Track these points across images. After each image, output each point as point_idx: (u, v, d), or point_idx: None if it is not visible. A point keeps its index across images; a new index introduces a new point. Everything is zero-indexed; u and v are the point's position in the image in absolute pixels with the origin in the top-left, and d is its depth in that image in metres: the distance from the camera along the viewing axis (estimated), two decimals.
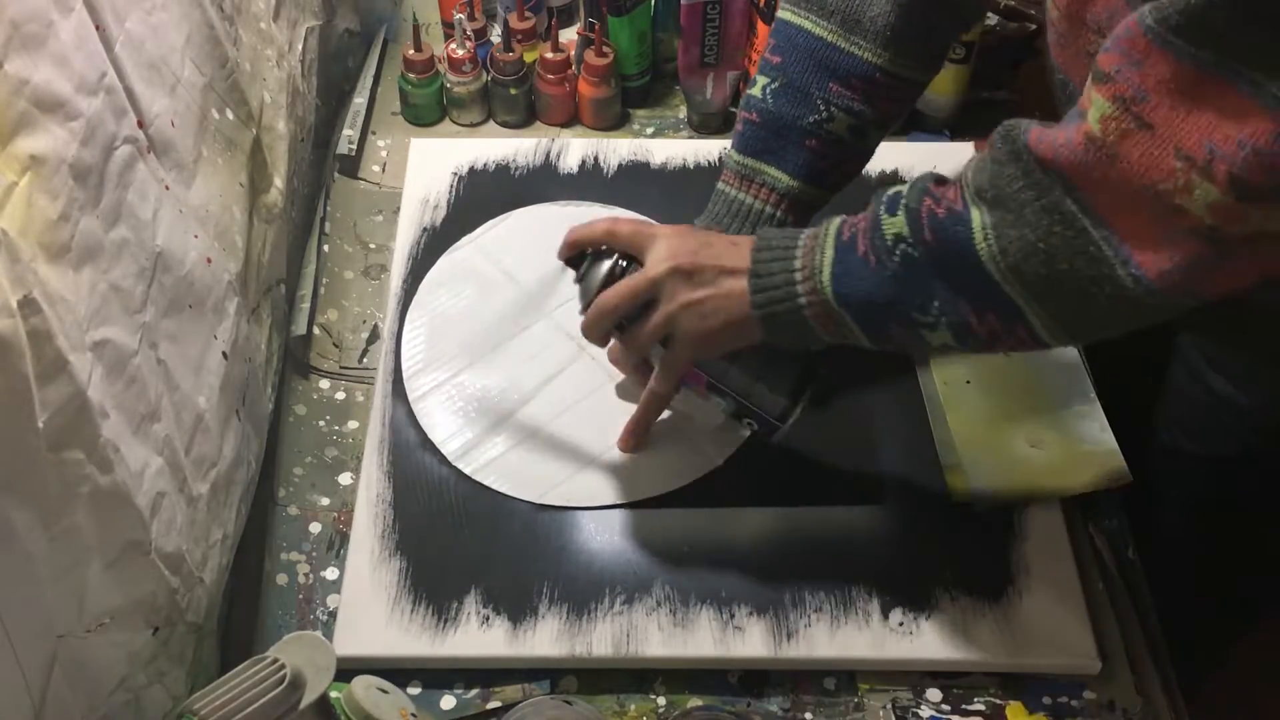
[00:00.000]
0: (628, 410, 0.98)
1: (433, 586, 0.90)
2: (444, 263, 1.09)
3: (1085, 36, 0.77)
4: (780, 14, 0.92)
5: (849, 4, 0.89)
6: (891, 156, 1.18)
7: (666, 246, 0.84)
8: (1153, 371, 1.07)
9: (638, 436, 0.97)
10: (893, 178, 1.17)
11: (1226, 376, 0.98)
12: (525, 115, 1.24)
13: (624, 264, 0.86)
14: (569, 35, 1.26)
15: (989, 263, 0.71)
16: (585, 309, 0.88)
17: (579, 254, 0.89)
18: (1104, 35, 0.74)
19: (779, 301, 0.80)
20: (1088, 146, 0.66)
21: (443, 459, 0.97)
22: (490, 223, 1.12)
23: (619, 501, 0.95)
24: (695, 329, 0.84)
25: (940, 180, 0.77)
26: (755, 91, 0.92)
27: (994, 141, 0.72)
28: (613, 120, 1.24)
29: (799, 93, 0.90)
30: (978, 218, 0.71)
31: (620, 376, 1.01)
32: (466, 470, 0.96)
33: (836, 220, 0.80)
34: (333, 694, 0.76)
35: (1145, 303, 0.68)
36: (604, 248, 0.87)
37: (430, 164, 1.18)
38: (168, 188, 0.78)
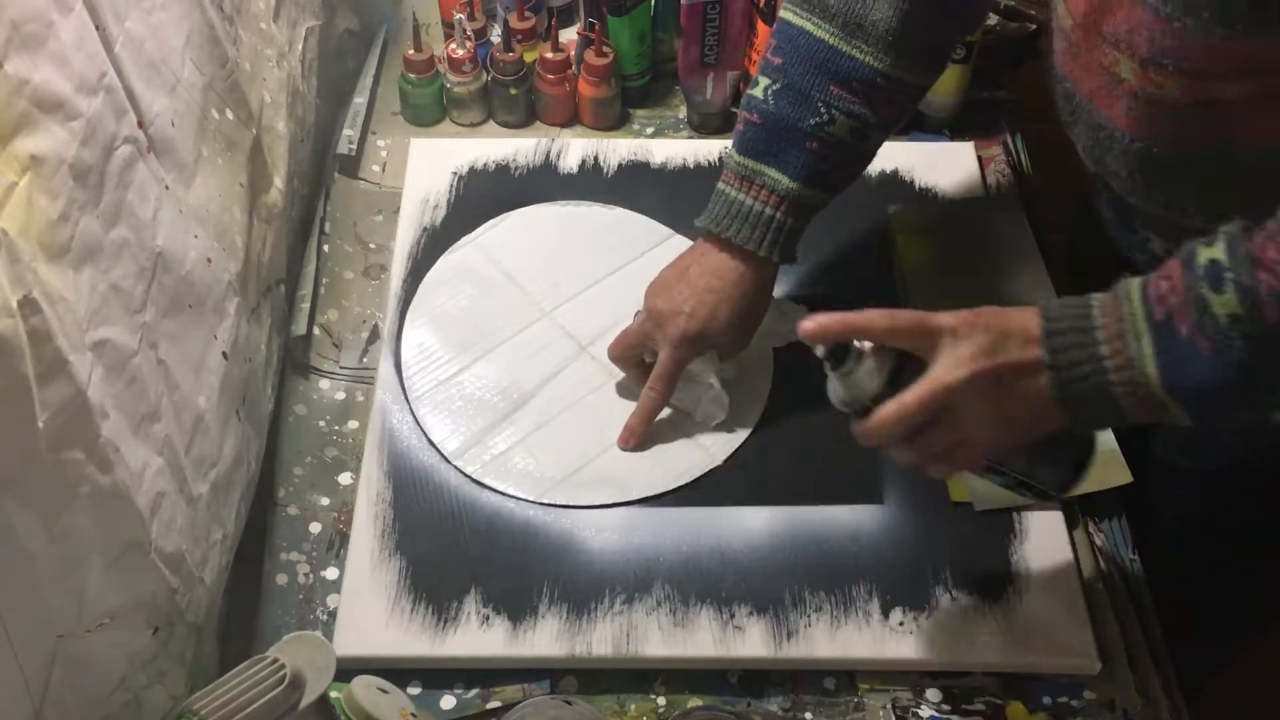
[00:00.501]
0: (628, 408, 0.99)
1: (433, 586, 0.90)
2: (443, 263, 1.09)
3: (1100, 49, 0.77)
4: (782, 14, 0.92)
5: (850, 7, 0.88)
6: (892, 156, 1.18)
7: (961, 351, 0.73)
8: None
9: (638, 435, 0.97)
10: (892, 178, 1.17)
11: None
12: (525, 115, 1.24)
13: (909, 365, 0.75)
14: (569, 35, 1.26)
15: None
16: (853, 407, 0.77)
17: (843, 344, 0.76)
18: (1120, 49, 0.74)
19: (1089, 396, 0.72)
20: None
21: (443, 458, 0.97)
22: (489, 223, 1.12)
23: (619, 500, 0.94)
24: (995, 438, 0.76)
25: (1249, 228, 0.68)
26: (757, 92, 0.92)
27: None
28: (613, 120, 1.24)
29: (800, 95, 0.90)
30: None
31: (620, 378, 1.01)
32: (467, 470, 0.96)
33: (1135, 290, 0.71)
34: (333, 694, 0.76)
35: None
36: (865, 343, 0.76)
37: (430, 164, 1.18)
38: (168, 188, 0.78)
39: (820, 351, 0.74)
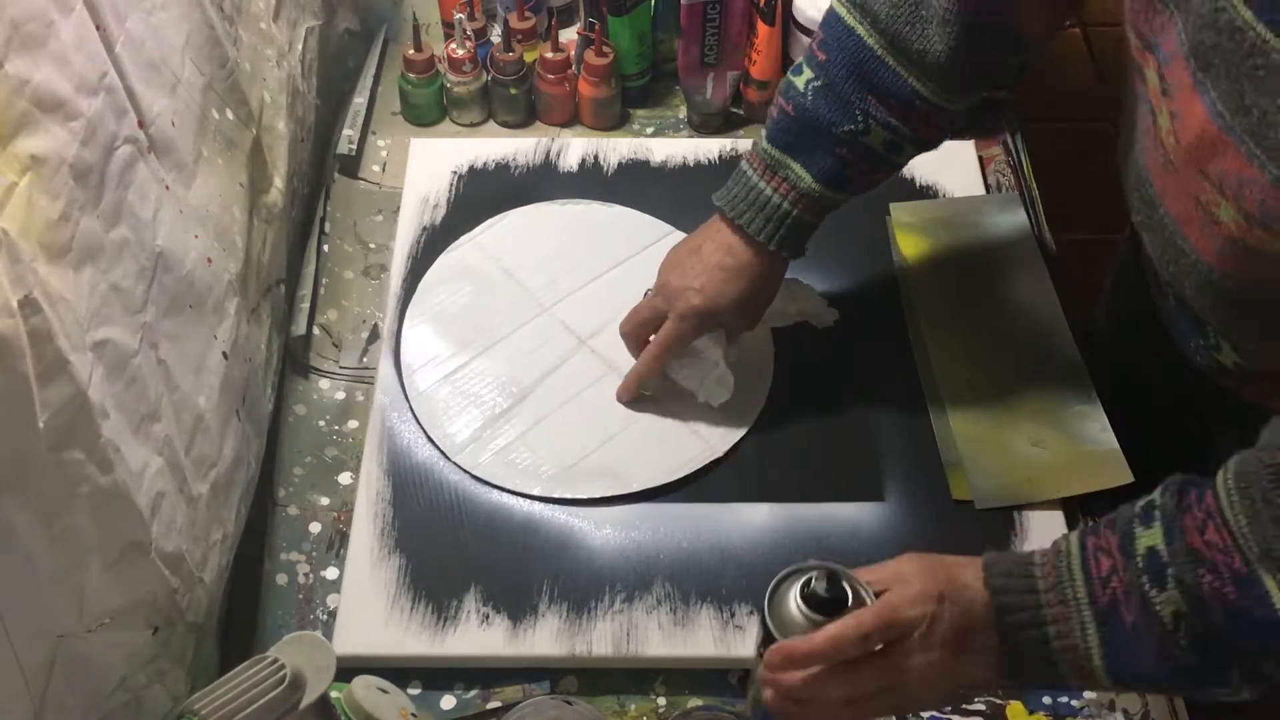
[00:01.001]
0: (628, 406, 0.99)
1: (432, 585, 0.90)
2: (443, 261, 1.09)
3: (1201, 185, 0.72)
4: (835, 7, 0.89)
5: (900, 29, 0.85)
6: None
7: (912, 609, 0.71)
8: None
9: (630, 393, 0.99)
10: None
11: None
12: (525, 115, 1.24)
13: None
14: (569, 35, 1.26)
15: None
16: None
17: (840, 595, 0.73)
18: (1224, 194, 0.70)
19: (1035, 672, 0.71)
20: None
21: (443, 456, 0.97)
22: (488, 221, 1.12)
23: (619, 492, 0.95)
24: (928, 697, 0.75)
25: (1184, 493, 0.67)
26: (798, 83, 0.90)
27: (1265, 489, 0.64)
28: (613, 120, 1.24)
29: (839, 98, 0.88)
30: (1274, 588, 0.63)
31: (622, 370, 1.01)
32: (466, 465, 0.96)
33: (1077, 567, 0.69)
34: (333, 694, 0.76)
35: None
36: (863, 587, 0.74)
37: (430, 164, 1.18)
38: (168, 188, 0.78)
39: (822, 589, 0.72)
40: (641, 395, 1.00)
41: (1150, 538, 0.67)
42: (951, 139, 1.20)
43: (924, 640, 0.70)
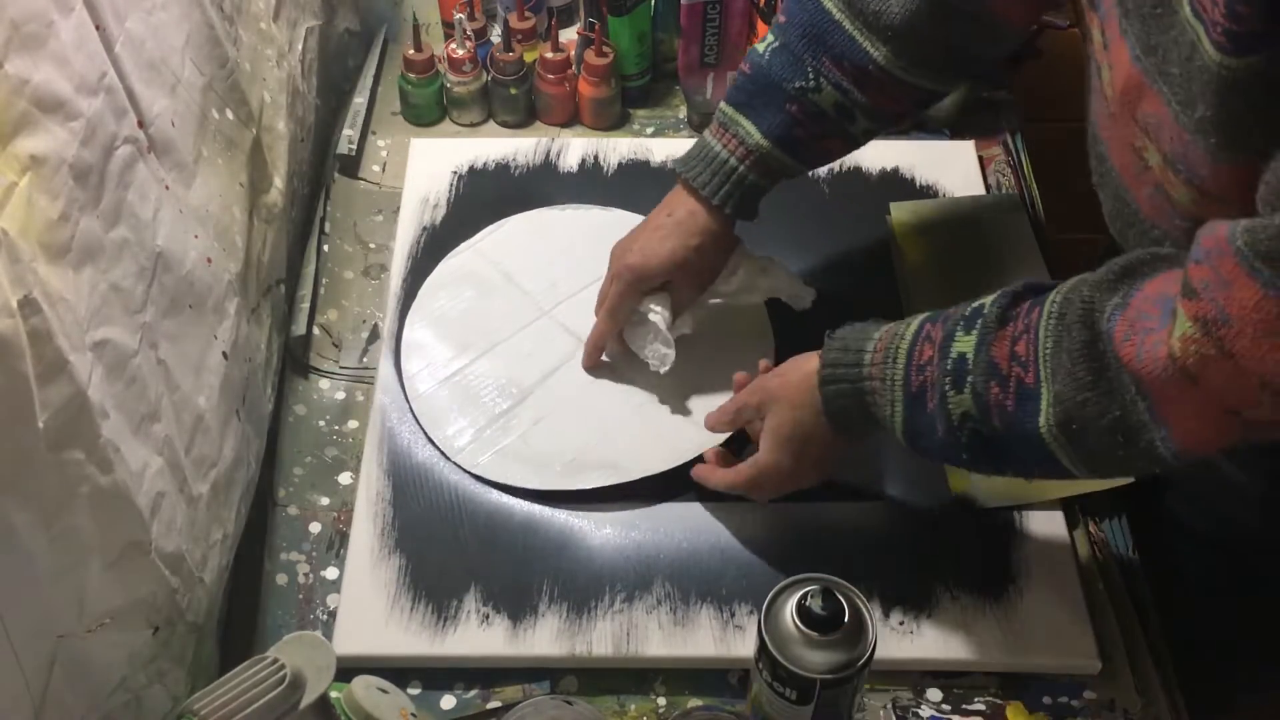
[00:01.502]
0: (627, 403, 0.99)
1: (432, 584, 0.90)
2: (444, 267, 1.09)
3: (1133, 129, 0.75)
4: None
5: None
6: (892, 155, 1.18)
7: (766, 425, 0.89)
8: None
9: (590, 360, 1.01)
10: (893, 176, 1.17)
11: (1235, 462, 0.94)
12: (525, 115, 1.24)
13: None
14: (569, 35, 1.26)
15: (1048, 440, 0.72)
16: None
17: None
18: (1150, 137, 0.72)
19: (858, 429, 0.84)
20: (1168, 365, 0.64)
21: (443, 456, 0.97)
22: (489, 228, 1.12)
23: (618, 481, 0.94)
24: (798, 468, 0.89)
25: (1004, 319, 0.75)
26: (759, 47, 0.93)
27: (1070, 322, 0.70)
28: (613, 120, 1.24)
29: (793, 57, 0.90)
30: (1045, 407, 0.71)
31: (620, 371, 1.01)
32: (466, 465, 0.96)
33: (903, 353, 0.79)
34: (333, 694, 0.76)
35: (1171, 464, 0.69)
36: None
37: (430, 164, 1.18)
38: (168, 188, 0.78)
39: (817, 606, 0.75)
40: (601, 362, 1.01)
41: (964, 344, 0.75)
42: (951, 139, 1.21)
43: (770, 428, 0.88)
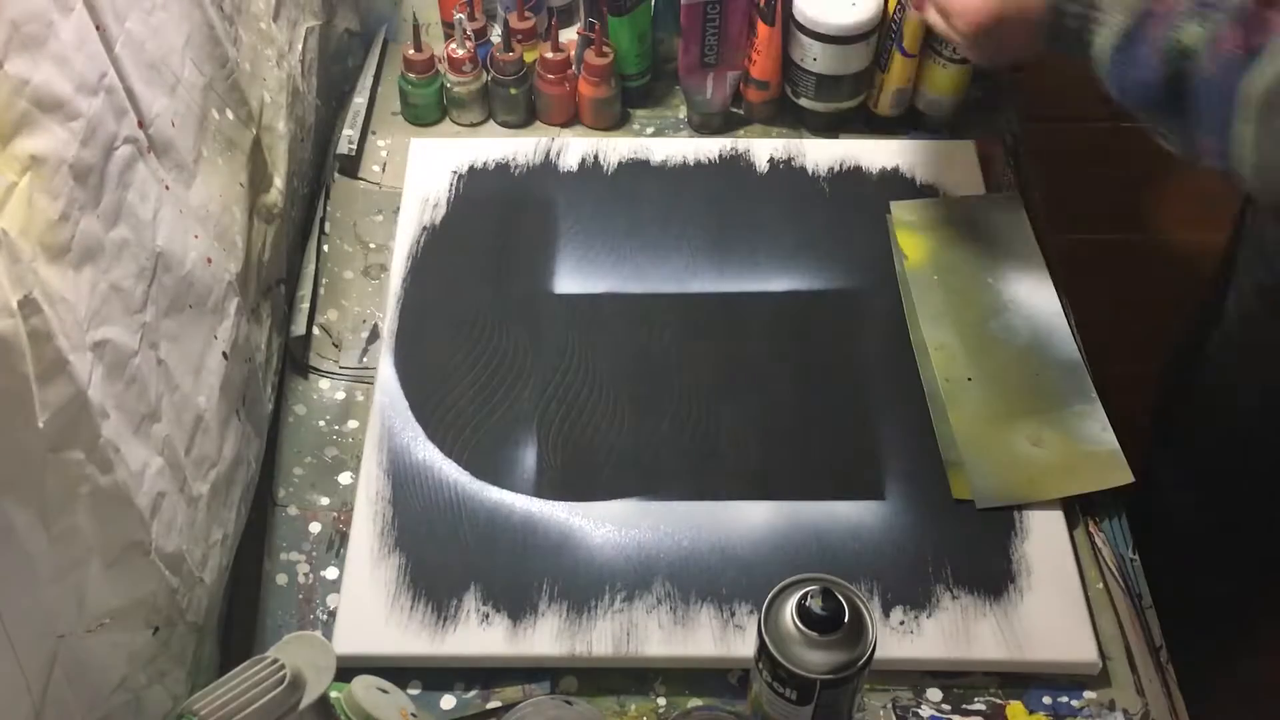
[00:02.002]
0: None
1: (432, 583, 0.90)
2: None
3: None
4: None
5: None
6: (892, 155, 1.19)
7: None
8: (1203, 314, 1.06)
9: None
10: (893, 175, 1.17)
11: None
12: (525, 115, 1.24)
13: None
14: (569, 35, 1.26)
15: (1242, 104, 0.73)
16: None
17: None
18: None
19: (1065, 45, 0.85)
20: None
21: (443, 455, 0.97)
22: None
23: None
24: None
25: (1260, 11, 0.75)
26: None
27: None
28: (613, 120, 1.24)
29: None
30: (1268, 64, 0.72)
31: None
32: (464, 466, 0.96)
33: None
34: (333, 694, 0.76)
35: None
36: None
37: (430, 164, 1.18)
38: (168, 188, 0.78)
39: (817, 606, 0.75)
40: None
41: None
42: (951, 138, 1.21)
43: None
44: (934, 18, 0.97)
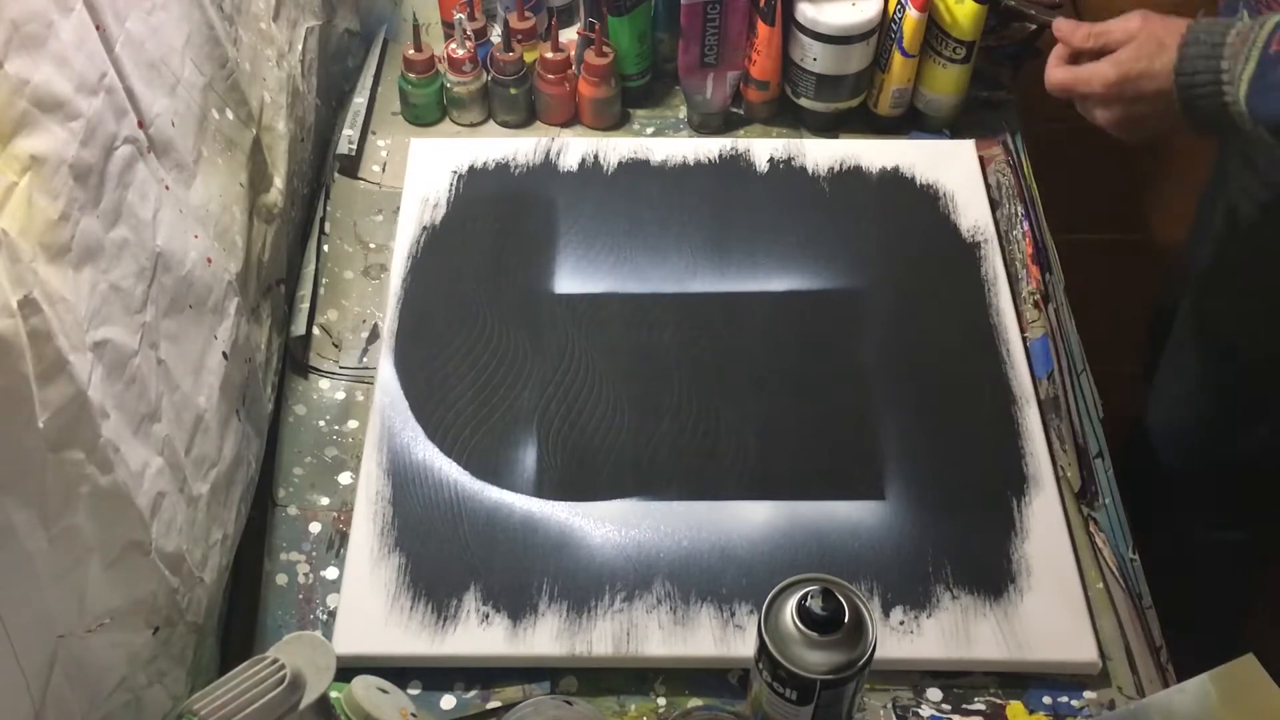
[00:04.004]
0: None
1: (432, 583, 0.90)
2: None
3: None
4: None
5: None
6: (892, 155, 1.19)
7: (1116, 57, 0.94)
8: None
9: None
10: (893, 175, 1.17)
11: None
12: (525, 115, 1.24)
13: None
14: (569, 35, 1.26)
15: None
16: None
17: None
18: None
19: (1199, 104, 0.88)
20: None
21: (443, 455, 0.97)
22: None
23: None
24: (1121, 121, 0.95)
25: None
26: None
27: None
28: (613, 120, 1.24)
29: None
30: None
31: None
32: (464, 466, 0.96)
33: (1271, 23, 0.83)
34: (333, 694, 0.76)
35: None
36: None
37: (430, 164, 1.18)
38: (168, 188, 0.78)
39: (817, 606, 0.75)
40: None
41: None
42: (951, 138, 1.21)
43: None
44: (1074, 84, 0.97)
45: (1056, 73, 0.98)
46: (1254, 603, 1.27)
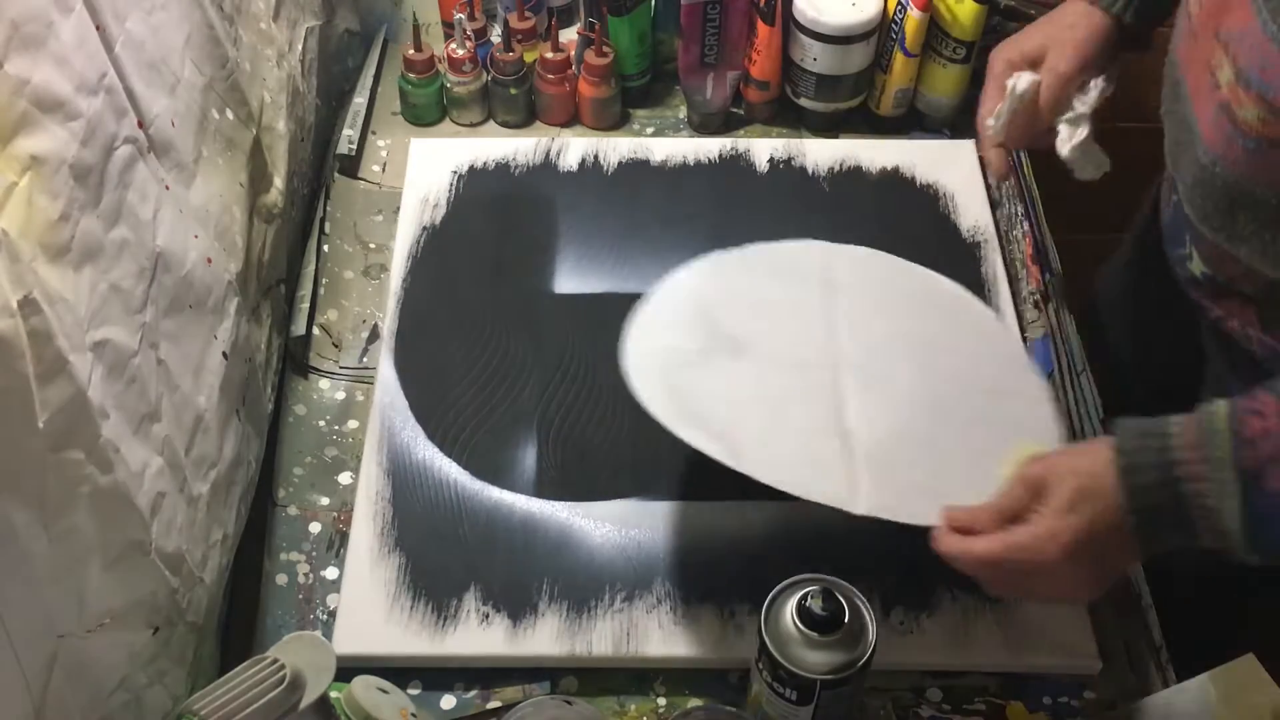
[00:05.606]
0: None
1: (432, 583, 0.90)
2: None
3: (1211, 46, 0.73)
4: None
5: None
6: (892, 155, 1.19)
7: (1047, 525, 0.74)
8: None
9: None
10: (893, 175, 1.17)
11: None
12: (525, 115, 1.24)
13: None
14: (569, 35, 1.26)
15: None
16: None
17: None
18: (1227, 52, 0.71)
19: (1170, 538, 0.71)
20: None
21: (442, 454, 0.97)
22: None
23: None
24: (1081, 587, 0.78)
25: None
26: None
27: None
28: (613, 120, 1.24)
29: None
30: None
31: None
32: (464, 466, 0.96)
33: (1224, 427, 0.68)
34: (333, 694, 0.76)
35: None
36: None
37: (430, 164, 1.18)
38: (168, 188, 0.78)
39: (818, 606, 0.75)
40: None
41: None
42: (951, 138, 1.21)
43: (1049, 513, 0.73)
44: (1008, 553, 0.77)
45: (978, 544, 0.77)
46: (1254, 602, 1.27)
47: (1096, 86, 0.97)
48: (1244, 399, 0.69)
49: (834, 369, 0.92)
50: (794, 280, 0.99)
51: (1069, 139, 0.99)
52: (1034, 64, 0.98)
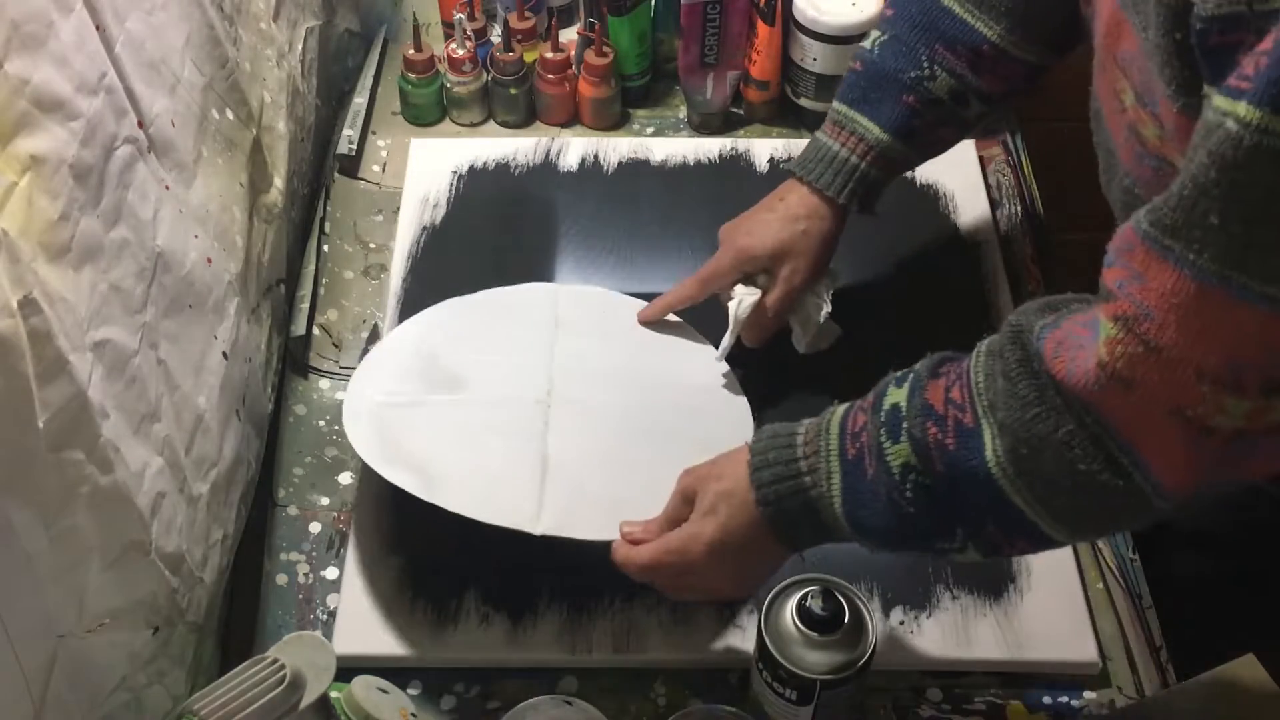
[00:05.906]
0: (624, 422, 0.99)
1: (432, 584, 0.90)
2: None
3: (1114, 72, 0.73)
4: None
5: None
6: None
7: (692, 528, 0.80)
8: None
9: (656, 313, 1.01)
10: None
11: None
12: (525, 115, 1.24)
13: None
14: (569, 35, 1.26)
15: (998, 476, 0.67)
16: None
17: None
18: (1126, 76, 0.71)
19: (801, 527, 0.76)
20: (1099, 374, 0.61)
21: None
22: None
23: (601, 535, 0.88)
24: (732, 585, 0.83)
25: (936, 373, 0.72)
26: (866, 44, 0.93)
27: (1002, 345, 0.68)
28: (613, 120, 1.24)
29: (905, 47, 0.90)
30: (989, 440, 0.67)
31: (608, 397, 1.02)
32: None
33: (835, 423, 0.75)
34: (333, 694, 0.76)
35: (1157, 506, 0.65)
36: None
37: (430, 164, 1.18)
38: (168, 188, 0.78)
39: (818, 606, 0.76)
40: (656, 319, 1.02)
41: (896, 395, 0.72)
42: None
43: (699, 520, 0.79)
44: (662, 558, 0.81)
45: (640, 552, 0.81)
46: (1254, 602, 1.27)
47: (827, 288, 0.98)
48: (859, 399, 0.75)
49: (545, 402, 0.95)
50: (523, 320, 1.02)
51: (803, 336, 1.00)
52: (766, 270, 0.96)
